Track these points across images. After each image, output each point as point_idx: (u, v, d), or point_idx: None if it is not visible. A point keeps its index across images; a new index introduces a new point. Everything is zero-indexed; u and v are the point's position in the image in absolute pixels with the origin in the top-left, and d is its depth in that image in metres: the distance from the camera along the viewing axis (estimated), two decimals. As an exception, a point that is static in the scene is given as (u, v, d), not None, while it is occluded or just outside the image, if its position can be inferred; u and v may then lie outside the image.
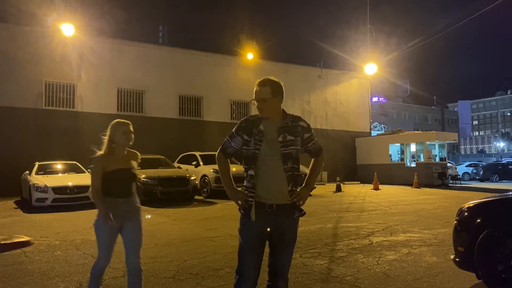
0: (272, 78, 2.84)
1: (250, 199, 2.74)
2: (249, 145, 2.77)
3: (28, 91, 17.53)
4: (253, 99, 2.83)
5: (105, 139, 3.50)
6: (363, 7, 25.83)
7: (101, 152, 3.48)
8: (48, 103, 18.07)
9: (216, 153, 2.96)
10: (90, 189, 3.59)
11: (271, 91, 2.79)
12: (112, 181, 3.39)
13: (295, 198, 2.75)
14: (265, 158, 2.74)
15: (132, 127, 3.54)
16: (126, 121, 3.54)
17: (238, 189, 2.84)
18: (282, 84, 2.85)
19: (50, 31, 18.10)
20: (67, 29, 17.88)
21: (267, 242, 2.86)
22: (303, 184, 2.85)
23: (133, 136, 3.50)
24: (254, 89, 2.83)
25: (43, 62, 17.75)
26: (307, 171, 2.98)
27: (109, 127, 3.50)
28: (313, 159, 3.01)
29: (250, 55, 23.39)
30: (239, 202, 2.79)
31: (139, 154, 3.63)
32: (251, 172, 2.76)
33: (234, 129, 2.88)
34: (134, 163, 3.57)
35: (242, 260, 2.81)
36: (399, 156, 24.84)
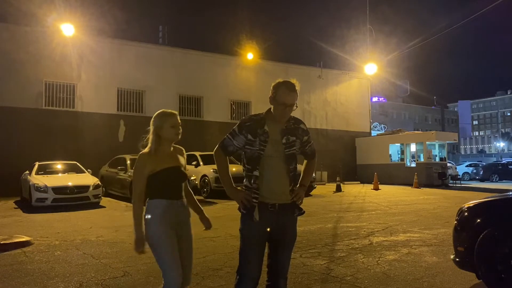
0: (296, 82, 2.82)
1: (254, 200, 2.73)
2: (253, 145, 2.75)
3: (28, 91, 17.53)
4: (284, 103, 2.73)
5: (149, 134, 2.97)
6: (363, 7, 25.84)
7: (147, 150, 2.95)
8: (48, 103, 18.07)
9: (214, 150, 2.91)
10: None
11: (296, 96, 2.79)
12: (161, 182, 2.90)
13: (295, 198, 2.78)
14: (269, 159, 2.74)
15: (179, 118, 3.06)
16: (173, 111, 3.04)
17: (238, 188, 2.83)
18: None
19: (50, 31, 18.11)
20: (67, 29, 17.88)
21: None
22: (298, 184, 2.85)
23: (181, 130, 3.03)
24: (277, 89, 2.75)
25: (43, 62, 17.75)
26: (301, 169, 2.99)
27: (154, 119, 2.98)
28: (306, 161, 3.01)
29: (250, 55, 23.39)
30: (241, 201, 2.77)
31: (183, 149, 3.17)
32: (256, 173, 2.74)
33: (236, 127, 2.84)
34: (182, 160, 3.08)
35: (244, 260, 2.80)
36: (399, 156, 24.84)
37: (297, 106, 2.79)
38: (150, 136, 2.95)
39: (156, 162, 2.89)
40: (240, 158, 2.88)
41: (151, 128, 2.96)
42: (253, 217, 2.72)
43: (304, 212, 2.88)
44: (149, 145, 2.94)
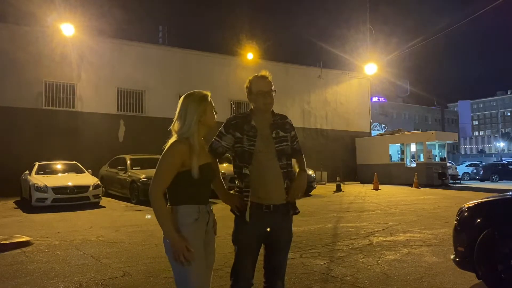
0: (267, 72, 2.85)
1: (245, 198, 2.67)
2: (242, 142, 2.71)
3: (28, 91, 17.53)
4: (260, 90, 2.76)
5: (190, 119, 2.41)
6: (363, 7, 25.86)
7: (180, 139, 2.40)
8: (48, 103, 18.07)
9: None
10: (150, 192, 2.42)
11: (271, 83, 2.81)
12: (195, 182, 2.38)
13: (290, 198, 2.71)
14: (259, 155, 2.68)
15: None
16: (206, 92, 2.56)
17: (231, 191, 2.79)
18: None
19: (50, 31, 18.11)
20: (67, 29, 17.88)
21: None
22: (294, 184, 2.71)
23: None
24: (251, 83, 2.83)
25: (43, 62, 17.75)
26: (296, 167, 2.89)
27: (192, 103, 2.44)
28: (296, 159, 2.91)
29: (250, 55, 23.40)
30: (235, 205, 2.73)
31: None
32: (245, 171, 2.68)
33: (222, 127, 2.82)
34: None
35: (238, 262, 2.76)
36: (399, 156, 24.85)
37: (275, 91, 2.79)
38: (192, 123, 2.40)
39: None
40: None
41: (192, 112, 2.43)
42: (245, 218, 2.67)
43: (299, 211, 2.83)
44: (185, 133, 2.39)
